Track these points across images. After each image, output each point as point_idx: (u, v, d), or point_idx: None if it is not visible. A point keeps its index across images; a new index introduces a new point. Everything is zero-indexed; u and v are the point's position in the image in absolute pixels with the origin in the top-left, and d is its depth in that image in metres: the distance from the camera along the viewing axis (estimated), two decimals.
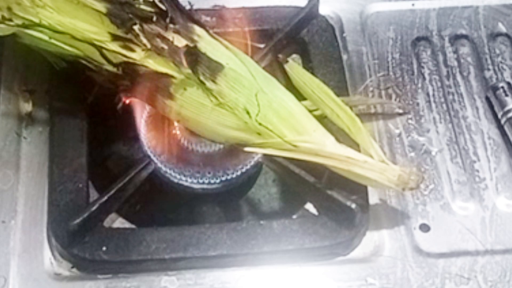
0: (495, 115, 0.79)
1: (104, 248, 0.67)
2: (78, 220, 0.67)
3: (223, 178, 0.74)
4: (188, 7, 0.73)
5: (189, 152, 0.75)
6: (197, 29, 0.71)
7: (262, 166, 0.77)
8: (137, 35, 0.68)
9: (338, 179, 0.70)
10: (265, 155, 0.72)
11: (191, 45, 0.69)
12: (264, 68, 0.74)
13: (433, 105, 0.80)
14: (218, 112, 0.69)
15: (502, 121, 0.78)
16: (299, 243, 0.69)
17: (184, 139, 0.75)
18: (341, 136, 0.70)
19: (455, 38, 0.85)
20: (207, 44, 0.70)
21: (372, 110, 0.80)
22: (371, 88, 0.81)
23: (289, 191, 0.77)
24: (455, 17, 0.87)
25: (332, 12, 0.87)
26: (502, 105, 0.79)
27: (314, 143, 0.68)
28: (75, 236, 0.67)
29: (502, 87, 0.79)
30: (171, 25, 0.70)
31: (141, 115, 0.75)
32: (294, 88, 0.73)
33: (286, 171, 0.72)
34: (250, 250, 0.69)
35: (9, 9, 0.69)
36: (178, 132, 0.75)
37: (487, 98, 0.81)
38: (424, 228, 0.72)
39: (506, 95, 0.79)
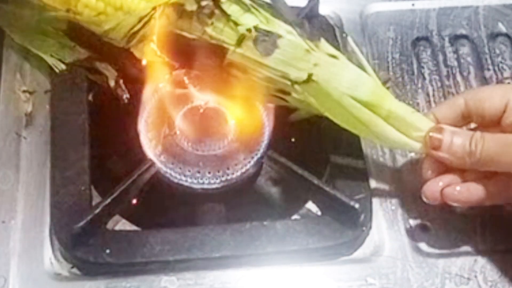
0: None
1: (107, 251, 0.67)
2: (81, 223, 0.67)
3: (224, 178, 0.74)
4: None
5: (190, 152, 0.75)
6: None
7: (262, 166, 0.77)
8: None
9: (341, 178, 0.71)
10: (265, 154, 0.73)
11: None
12: None
13: (433, 105, 0.80)
14: None
15: None
16: (303, 244, 0.69)
17: (184, 139, 0.75)
18: None
19: (455, 38, 0.86)
20: None
21: None
22: None
23: (291, 191, 0.77)
24: (455, 17, 0.87)
25: (332, 12, 0.87)
26: None
27: None
28: (79, 239, 0.67)
29: None
30: None
31: (142, 116, 0.75)
32: None
33: (288, 171, 0.73)
34: (253, 251, 0.69)
35: None
36: (178, 133, 0.75)
37: None
38: (424, 228, 0.72)
39: None
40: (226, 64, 0.70)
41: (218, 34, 0.70)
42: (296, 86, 0.69)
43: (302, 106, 0.71)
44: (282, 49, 0.70)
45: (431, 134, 0.68)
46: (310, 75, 0.69)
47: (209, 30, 0.70)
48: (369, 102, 0.69)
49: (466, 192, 0.67)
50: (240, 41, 0.70)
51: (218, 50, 0.70)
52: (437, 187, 0.67)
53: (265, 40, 0.70)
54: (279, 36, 0.70)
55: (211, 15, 0.70)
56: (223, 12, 0.70)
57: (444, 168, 0.68)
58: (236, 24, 0.69)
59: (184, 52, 0.70)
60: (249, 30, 0.69)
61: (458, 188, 0.67)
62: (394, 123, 0.69)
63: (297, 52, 0.70)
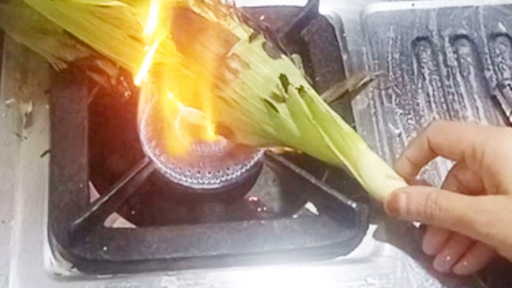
0: (502, 113, 0.80)
1: (105, 248, 0.67)
2: (79, 220, 0.67)
3: (224, 178, 0.74)
4: None
5: (190, 152, 0.75)
6: None
7: (262, 166, 0.77)
8: None
9: (339, 178, 0.71)
10: (265, 154, 0.73)
11: None
12: None
13: (433, 105, 0.80)
14: None
15: (511, 119, 0.79)
16: (300, 243, 0.69)
17: (184, 139, 0.75)
18: None
19: (455, 38, 0.86)
20: None
21: (372, 110, 0.80)
22: (371, 88, 0.81)
23: (289, 191, 0.77)
24: (455, 17, 0.87)
25: (332, 12, 0.87)
26: (510, 102, 0.79)
27: None
28: (76, 236, 0.67)
29: (509, 85, 0.80)
30: None
31: (142, 115, 0.75)
32: None
33: (287, 170, 0.73)
34: (251, 249, 0.69)
35: None
36: (178, 132, 0.75)
37: (494, 97, 0.81)
38: (424, 228, 0.72)
39: None
40: (231, 54, 0.70)
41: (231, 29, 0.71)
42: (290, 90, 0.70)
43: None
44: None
45: (387, 203, 0.68)
46: (302, 86, 0.70)
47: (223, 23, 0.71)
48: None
49: (474, 262, 0.68)
50: (251, 38, 0.71)
51: (229, 37, 0.70)
52: (446, 267, 0.69)
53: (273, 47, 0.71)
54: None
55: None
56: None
57: (445, 238, 0.69)
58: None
59: (192, 33, 0.70)
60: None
61: (465, 263, 0.68)
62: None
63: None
